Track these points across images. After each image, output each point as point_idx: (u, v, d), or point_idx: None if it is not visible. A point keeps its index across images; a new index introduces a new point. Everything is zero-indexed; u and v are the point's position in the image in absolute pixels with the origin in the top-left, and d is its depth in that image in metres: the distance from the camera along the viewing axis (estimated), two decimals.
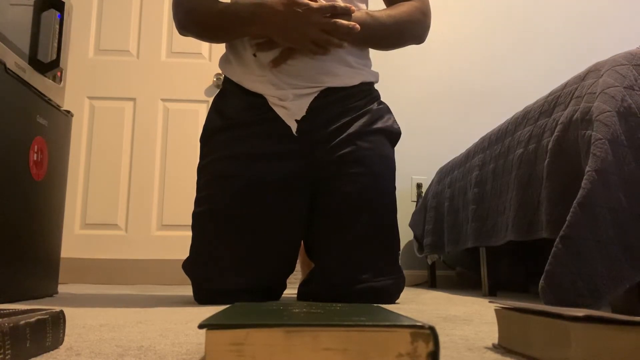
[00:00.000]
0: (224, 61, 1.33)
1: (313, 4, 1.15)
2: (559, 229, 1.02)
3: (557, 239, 1.00)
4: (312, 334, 0.37)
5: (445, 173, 2.21)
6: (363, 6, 1.33)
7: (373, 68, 1.37)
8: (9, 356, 0.40)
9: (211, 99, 2.59)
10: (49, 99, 1.40)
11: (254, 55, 1.24)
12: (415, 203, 2.65)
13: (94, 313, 0.91)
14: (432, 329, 0.38)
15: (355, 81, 1.29)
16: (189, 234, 1.27)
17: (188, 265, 1.23)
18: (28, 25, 1.33)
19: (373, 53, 1.37)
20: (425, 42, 1.36)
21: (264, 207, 1.20)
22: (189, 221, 1.26)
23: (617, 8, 2.91)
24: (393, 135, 1.33)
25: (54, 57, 1.42)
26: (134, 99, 2.68)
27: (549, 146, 1.20)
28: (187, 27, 1.29)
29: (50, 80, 1.42)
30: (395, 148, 1.35)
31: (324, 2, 1.17)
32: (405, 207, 2.58)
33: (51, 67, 1.40)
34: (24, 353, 0.44)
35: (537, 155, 1.30)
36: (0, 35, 1.20)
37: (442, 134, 2.76)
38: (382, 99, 1.37)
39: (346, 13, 1.18)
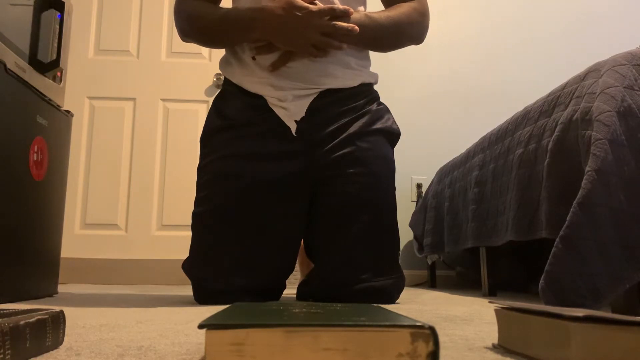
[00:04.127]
0: (224, 63, 1.33)
1: (312, 7, 1.15)
2: (559, 229, 1.02)
3: (557, 239, 1.00)
4: (312, 334, 0.37)
5: (445, 173, 2.21)
6: (361, 8, 1.33)
7: (372, 69, 1.37)
8: (9, 356, 0.40)
9: (211, 99, 2.61)
10: (49, 99, 1.40)
11: (253, 58, 1.24)
12: (415, 203, 2.65)
13: (94, 313, 0.91)
14: (432, 329, 0.38)
15: (355, 82, 1.29)
16: (189, 234, 1.27)
17: (188, 265, 1.23)
18: (28, 25, 1.33)
19: (372, 54, 1.37)
20: (424, 42, 1.36)
21: (263, 207, 1.20)
22: (189, 221, 1.26)
23: (617, 8, 2.91)
24: (392, 135, 1.33)
25: (54, 57, 1.42)
26: (134, 99, 2.68)
27: (549, 146, 1.20)
28: (188, 33, 1.30)
29: (50, 80, 1.42)
30: (395, 148, 1.35)
31: (323, 5, 1.17)
32: (405, 207, 2.59)
33: (51, 67, 1.40)
34: (24, 353, 0.44)
35: (537, 155, 1.30)
36: (0, 35, 1.20)
37: (442, 134, 2.76)
38: (382, 99, 1.37)
39: (345, 15, 1.18)
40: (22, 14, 1.31)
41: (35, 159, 1.31)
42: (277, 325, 0.37)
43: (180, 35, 1.32)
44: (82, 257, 2.47)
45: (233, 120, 1.27)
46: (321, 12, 1.16)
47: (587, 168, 1.00)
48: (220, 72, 1.89)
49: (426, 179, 2.66)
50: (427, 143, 2.74)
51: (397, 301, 1.26)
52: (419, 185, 2.71)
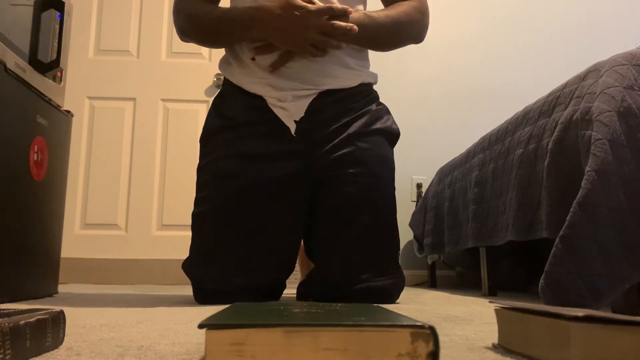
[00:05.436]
0: (224, 63, 1.33)
1: (311, 6, 1.15)
2: (559, 229, 1.02)
3: (557, 239, 1.00)
4: (312, 334, 0.37)
5: (445, 173, 2.21)
6: (360, 7, 1.33)
7: (372, 68, 1.37)
8: (9, 356, 0.40)
9: (211, 99, 2.60)
10: (49, 99, 1.40)
11: (253, 59, 1.24)
12: (415, 203, 2.65)
13: (94, 313, 0.91)
14: (432, 329, 0.38)
15: (354, 82, 1.29)
16: (189, 234, 1.27)
17: (188, 265, 1.23)
18: (28, 25, 1.33)
19: (372, 53, 1.37)
20: (424, 41, 1.36)
21: (263, 208, 1.20)
22: (189, 221, 1.26)
23: (617, 8, 2.91)
24: (392, 135, 1.33)
25: (54, 57, 1.42)
26: (134, 99, 2.68)
27: (549, 146, 1.20)
28: (187, 33, 1.30)
29: (50, 80, 1.42)
30: (395, 148, 1.35)
31: (321, 4, 1.17)
32: (405, 207, 2.59)
33: (51, 67, 1.40)
34: (24, 353, 0.44)
35: (537, 156, 1.30)
36: (0, 35, 1.20)
37: (442, 134, 2.76)
38: (382, 99, 1.37)
39: (344, 14, 1.18)
40: (22, 14, 1.31)
41: (35, 159, 1.31)
42: (277, 325, 0.37)
43: (179, 35, 1.32)
44: (82, 257, 2.47)
45: (233, 120, 1.27)
46: (320, 12, 1.16)
47: (587, 168, 1.00)
48: (220, 72, 1.89)
49: (426, 179, 2.66)
50: (427, 143, 2.74)
51: (397, 301, 1.26)
52: (419, 185, 2.71)
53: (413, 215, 2.49)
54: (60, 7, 1.43)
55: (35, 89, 1.32)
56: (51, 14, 1.41)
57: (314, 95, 1.24)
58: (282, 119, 1.23)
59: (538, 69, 2.82)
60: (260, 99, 1.24)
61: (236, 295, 1.10)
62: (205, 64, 2.72)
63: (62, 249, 1.54)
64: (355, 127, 1.26)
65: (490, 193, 1.61)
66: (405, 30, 1.30)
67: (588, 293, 0.95)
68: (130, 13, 2.74)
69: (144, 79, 2.69)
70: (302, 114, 1.23)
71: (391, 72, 2.63)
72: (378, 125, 1.29)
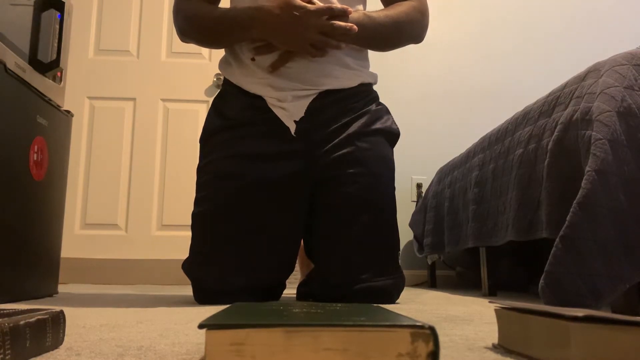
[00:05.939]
0: (223, 63, 1.33)
1: (310, 6, 1.15)
2: (559, 229, 1.02)
3: (557, 239, 1.00)
4: (312, 334, 0.37)
5: (445, 173, 2.21)
6: (360, 7, 1.33)
7: (372, 68, 1.37)
8: (9, 356, 0.40)
9: (211, 99, 2.60)
10: (49, 99, 1.40)
11: (253, 59, 1.24)
12: (415, 203, 2.65)
13: (94, 313, 0.91)
14: (432, 329, 0.38)
15: (354, 82, 1.29)
16: (189, 234, 1.27)
17: (188, 266, 1.23)
18: (28, 25, 1.33)
19: (371, 53, 1.37)
20: (424, 41, 1.36)
21: (263, 208, 1.20)
22: (189, 221, 1.26)
23: (617, 8, 2.91)
24: (392, 135, 1.33)
25: (54, 57, 1.42)
26: (134, 99, 2.68)
27: (549, 146, 1.20)
28: (187, 33, 1.30)
29: (50, 80, 1.42)
30: (395, 148, 1.35)
31: (321, 4, 1.17)
32: (405, 207, 2.59)
33: (51, 67, 1.40)
34: (24, 353, 0.44)
35: (537, 155, 1.30)
36: (0, 35, 1.20)
37: (442, 134, 2.76)
38: (382, 99, 1.37)
39: (343, 14, 1.18)
40: (22, 14, 1.31)
41: (35, 159, 1.31)
42: (277, 325, 0.37)
43: (179, 35, 1.32)
44: (82, 257, 2.47)
45: (233, 120, 1.27)
46: (319, 12, 1.16)
47: (587, 168, 1.00)
48: (220, 72, 1.89)
49: (426, 179, 2.66)
50: (427, 143, 2.74)
51: (397, 301, 1.26)
52: (419, 185, 2.71)
53: (413, 215, 2.49)
54: (60, 7, 1.43)
55: (35, 89, 1.32)
56: (51, 14, 1.41)
57: (314, 96, 1.24)
58: (282, 119, 1.23)
59: (538, 69, 2.82)
60: (260, 99, 1.24)
61: (236, 295, 1.10)
62: (205, 64, 2.72)
63: (62, 249, 1.54)
64: (355, 127, 1.26)
65: (490, 193, 1.61)
66: (405, 30, 1.30)
67: (588, 293, 0.95)
68: (130, 13, 2.74)
69: (144, 79, 2.69)
70: (302, 114, 1.23)
71: (391, 72, 2.63)
72: (378, 125, 1.29)
